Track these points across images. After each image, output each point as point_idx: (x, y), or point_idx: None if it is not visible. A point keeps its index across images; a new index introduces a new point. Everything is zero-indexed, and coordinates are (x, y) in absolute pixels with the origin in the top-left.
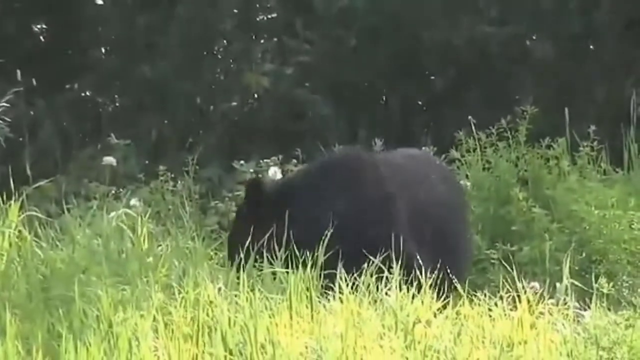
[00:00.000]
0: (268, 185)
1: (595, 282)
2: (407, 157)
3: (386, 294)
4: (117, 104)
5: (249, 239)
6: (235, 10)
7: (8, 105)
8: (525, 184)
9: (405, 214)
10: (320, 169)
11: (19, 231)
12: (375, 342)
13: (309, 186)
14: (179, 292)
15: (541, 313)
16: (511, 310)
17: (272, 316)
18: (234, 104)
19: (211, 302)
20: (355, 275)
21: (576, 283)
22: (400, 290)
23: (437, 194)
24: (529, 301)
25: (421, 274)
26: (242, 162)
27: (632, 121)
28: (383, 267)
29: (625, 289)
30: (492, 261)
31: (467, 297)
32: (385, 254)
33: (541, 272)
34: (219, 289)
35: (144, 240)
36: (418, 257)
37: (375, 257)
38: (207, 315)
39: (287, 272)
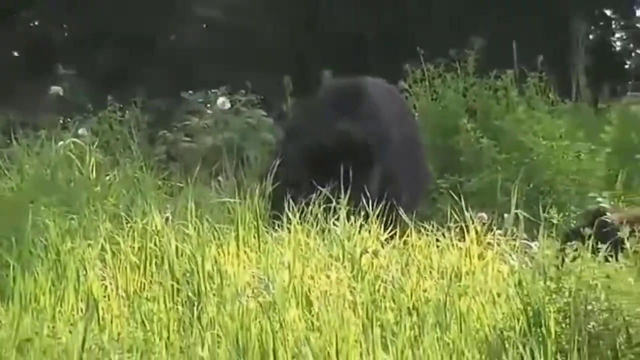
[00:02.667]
0: None
1: (544, 213)
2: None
3: (334, 224)
4: (66, 35)
5: None
6: None
7: None
8: (473, 115)
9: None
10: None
11: None
12: (322, 272)
13: None
14: (127, 222)
15: (489, 244)
16: (459, 240)
17: (220, 246)
18: (184, 34)
19: (159, 231)
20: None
21: (524, 214)
22: (348, 220)
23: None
24: (477, 232)
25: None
26: (190, 92)
27: (579, 52)
28: (331, 197)
29: (573, 220)
30: (441, 191)
31: (415, 227)
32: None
33: (489, 203)
34: (167, 219)
35: (92, 169)
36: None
37: None
38: (155, 244)
39: (235, 202)
